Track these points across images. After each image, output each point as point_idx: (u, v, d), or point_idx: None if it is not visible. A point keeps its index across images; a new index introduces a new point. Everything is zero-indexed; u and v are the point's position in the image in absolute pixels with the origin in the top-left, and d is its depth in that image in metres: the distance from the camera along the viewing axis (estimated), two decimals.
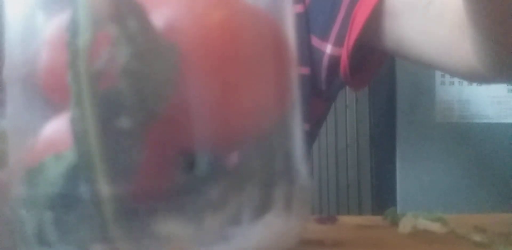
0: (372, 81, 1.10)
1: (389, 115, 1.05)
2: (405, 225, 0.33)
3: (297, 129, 0.25)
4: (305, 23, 0.58)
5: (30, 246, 0.21)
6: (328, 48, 0.57)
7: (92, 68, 0.20)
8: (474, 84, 1.06)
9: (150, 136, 0.21)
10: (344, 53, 0.56)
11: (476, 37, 0.45)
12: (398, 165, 1.03)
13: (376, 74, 0.64)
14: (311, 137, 0.66)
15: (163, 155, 0.21)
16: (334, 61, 0.57)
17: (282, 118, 0.24)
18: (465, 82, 1.05)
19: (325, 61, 0.58)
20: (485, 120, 1.05)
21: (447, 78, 1.05)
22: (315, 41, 0.58)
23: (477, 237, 0.31)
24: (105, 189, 0.20)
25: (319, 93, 0.61)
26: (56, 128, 0.22)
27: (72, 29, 0.20)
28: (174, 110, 0.21)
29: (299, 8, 0.57)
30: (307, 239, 0.30)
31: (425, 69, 1.05)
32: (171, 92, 0.21)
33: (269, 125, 0.23)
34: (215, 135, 0.22)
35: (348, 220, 0.37)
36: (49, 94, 0.22)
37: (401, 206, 1.01)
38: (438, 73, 1.05)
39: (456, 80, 1.05)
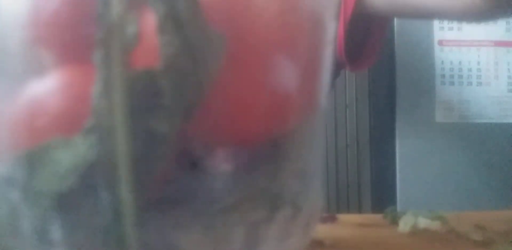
0: (372, 81, 1.10)
1: (389, 115, 1.05)
2: (405, 223, 0.33)
3: (319, 139, 0.23)
4: None
5: (29, 247, 0.19)
6: None
7: (128, 48, 0.17)
8: (474, 84, 1.06)
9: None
10: (340, 27, 0.56)
11: None
12: (398, 165, 1.03)
13: (374, 59, 0.64)
14: None
15: (185, 157, 0.19)
16: None
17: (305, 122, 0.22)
18: (465, 82, 1.05)
19: None
20: (485, 120, 1.05)
21: (447, 78, 1.05)
22: None
23: (477, 236, 0.31)
24: (127, 195, 0.18)
25: None
26: (57, 95, 0.18)
27: None
28: (206, 106, 0.19)
29: None
30: None
31: (424, 68, 1.05)
32: (210, 88, 0.18)
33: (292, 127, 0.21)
34: (245, 132, 0.20)
35: (348, 218, 0.37)
36: (45, 45, 0.19)
37: (401, 205, 1.01)
38: (438, 73, 1.05)
39: (456, 80, 1.05)
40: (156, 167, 0.18)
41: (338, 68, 0.63)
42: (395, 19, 1.01)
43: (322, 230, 0.34)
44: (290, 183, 0.21)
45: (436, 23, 1.04)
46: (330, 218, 0.36)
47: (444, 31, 1.05)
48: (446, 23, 1.05)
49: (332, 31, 0.23)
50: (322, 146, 0.24)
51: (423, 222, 0.33)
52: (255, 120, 0.20)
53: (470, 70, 1.06)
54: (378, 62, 0.98)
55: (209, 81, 0.18)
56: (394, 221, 0.35)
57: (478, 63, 1.06)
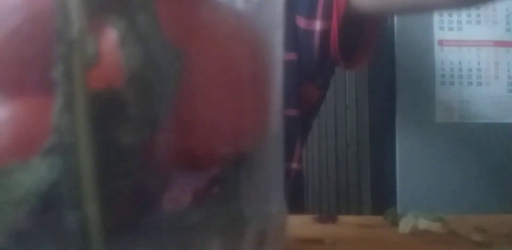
0: (372, 81, 1.10)
1: (389, 115, 1.05)
2: (406, 225, 0.33)
3: (275, 158, 0.23)
4: (291, 7, 0.59)
5: None
6: (318, 25, 0.58)
7: (89, 64, 0.17)
8: (474, 84, 1.06)
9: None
10: (334, 23, 0.57)
11: None
12: (398, 165, 1.03)
13: (368, 57, 0.65)
14: (301, 124, 0.65)
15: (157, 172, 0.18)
16: (325, 36, 0.58)
17: (260, 142, 0.22)
18: (465, 82, 1.05)
19: (316, 40, 0.59)
20: (485, 121, 1.05)
21: (447, 78, 1.05)
22: (303, 22, 0.59)
23: (477, 237, 0.31)
24: (94, 214, 0.16)
25: (312, 78, 0.62)
26: (11, 121, 0.18)
27: (62, 13, 0.17)
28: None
29: None
30: (308, 238, 0.30)
31: (424, 68, 1.05)
32: (173, 99, 0.18)
33: (247, 146, 0.21)
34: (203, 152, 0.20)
35: (348, 220, 0.37)
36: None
37: (401, 206, 1.01)
38: (438, 73, 1.05)
39: (456, 80, 1.05)
40: (123, 182, 0.17)
41: (332, 66, 0.63)
42: (396, 19, 1.01)
43: (323, 230, 0.34)
44: (252, 201, 0.21)
45: (436, 23, 1.04)
46: (330, 218, 0.37)
47: (444, 31, 1.05)
48: (446, 23, 1.05)
49: (280, 52, 0.23)
50: (280, 165, 0.24)
51: (424, 223, 0.33)
52: (211, 138, 0.20)
53: (470, 70, 1.06)
54: (378, 62, 0.98)
55: (172, 93, 0.18)
56: (394, 222, 0.35)
57: (478, 63, 1.06)
